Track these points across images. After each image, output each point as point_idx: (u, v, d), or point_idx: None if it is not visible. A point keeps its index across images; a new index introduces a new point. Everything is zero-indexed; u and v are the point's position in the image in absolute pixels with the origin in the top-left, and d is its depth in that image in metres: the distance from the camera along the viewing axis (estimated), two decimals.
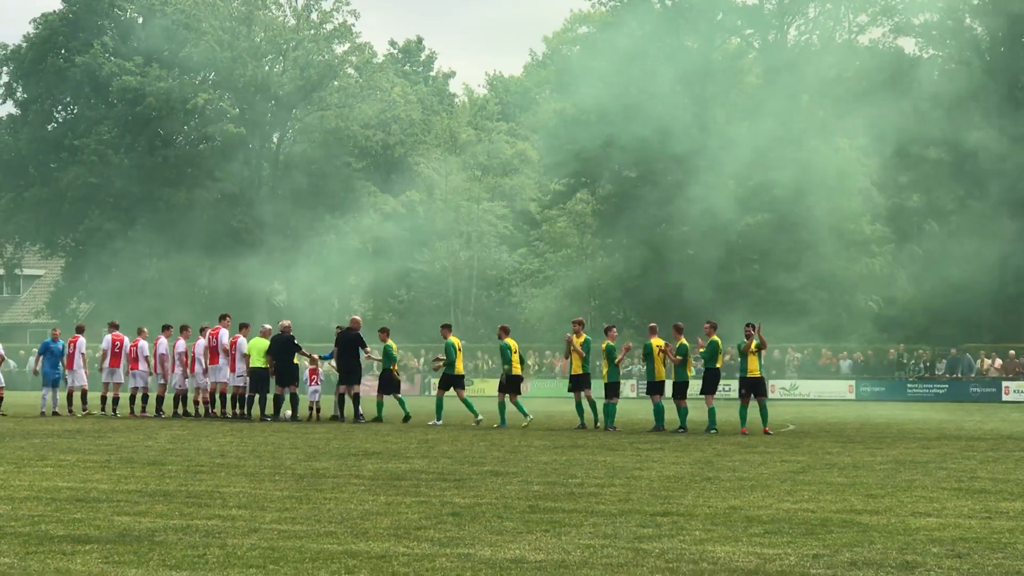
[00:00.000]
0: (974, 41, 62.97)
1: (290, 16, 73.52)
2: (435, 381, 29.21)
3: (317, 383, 31.13)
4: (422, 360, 60.18)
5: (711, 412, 25.42)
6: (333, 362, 29.82)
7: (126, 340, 31.04)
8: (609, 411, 26.18)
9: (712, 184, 58.32)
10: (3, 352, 33.05)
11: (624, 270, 64.04)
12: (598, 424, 26.37)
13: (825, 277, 58.85)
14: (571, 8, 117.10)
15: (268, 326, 30.17)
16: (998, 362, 53.00)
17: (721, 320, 31.20)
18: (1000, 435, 25.14)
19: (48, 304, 77.66)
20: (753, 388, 25.23)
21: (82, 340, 31.31)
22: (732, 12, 65.51)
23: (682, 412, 25.54)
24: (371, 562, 9.10)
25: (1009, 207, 58.52)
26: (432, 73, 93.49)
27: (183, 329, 31.41)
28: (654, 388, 25.93)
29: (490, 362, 58.90)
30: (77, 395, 31.00)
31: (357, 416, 28.28)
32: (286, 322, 30.09)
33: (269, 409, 29.18)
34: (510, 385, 27.24)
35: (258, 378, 29.06)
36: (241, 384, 29.43)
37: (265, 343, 29.06)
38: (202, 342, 30.02)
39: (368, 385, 31.56)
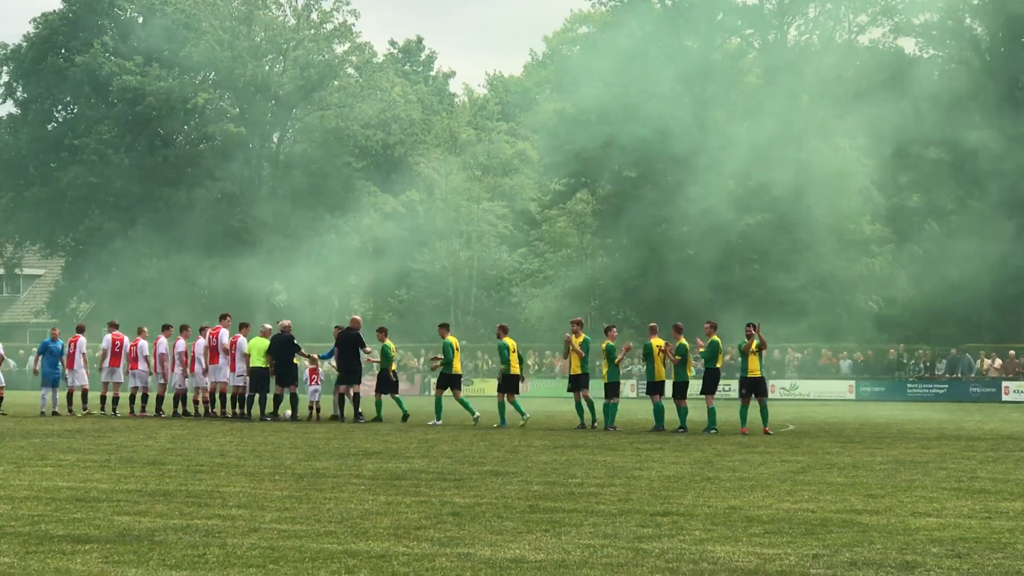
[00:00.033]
0: (974, 41, 62.98)
1: (290, 16, 73.56)
2: (435, 381, 29.16)
3: (317, 383, 31.13)
4: (422, 360, 60.20)
5: (711, 412, 25.42)
6: (333, 361, 29.83)
7: (126, 340, 31.05)
8: (609, 411, 26.18)
9: (712, 184, 58.33)
10: (3, 352, 33.03)
11: (624, 270, 64.05)
12: (595, 424, 26.37)
13: (825, 277, 58.85)
14: (571, 8, 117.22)
15: (268, 326, 30.18)
16: (998, 362, 53.01)
17: (721, 320, 31.19)
18: (1000, 435, 25.14)
19: (48, 304, 77.68)
20: (754, 388, 25.22)
21: (82, 340, 31.31)
22: (732, 12, 65.50)
23: (682, 412, 25.54)
24: (371, 562, 9.10)
25: (1009, 207, 58.54)
26: (432, 73, 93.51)
27: (183, 329, 31.42)
28: (654, 388, 25.93)
29: (490, 362, 58.91)
30: (77, 395, 31.00)
31: (357, 416, 28.29)
32: (286, 322, 30.10)
33: (269, 408, 29.18)
34: (507, 384, 27.28)
35: (258, 378, 29.07)
36: (241, 384, 29.44)
37: (265, 343, 29.07)
38: (202, 342, 30.03)
39: (368, 385, 31.53)
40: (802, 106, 61.19)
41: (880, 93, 59.48)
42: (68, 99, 76.11)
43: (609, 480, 14.82)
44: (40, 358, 31.57)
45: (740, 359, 25.58)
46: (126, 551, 9.50)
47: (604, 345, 26.93)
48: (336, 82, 73.30)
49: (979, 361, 53.37)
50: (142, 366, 30.90)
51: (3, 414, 30.20)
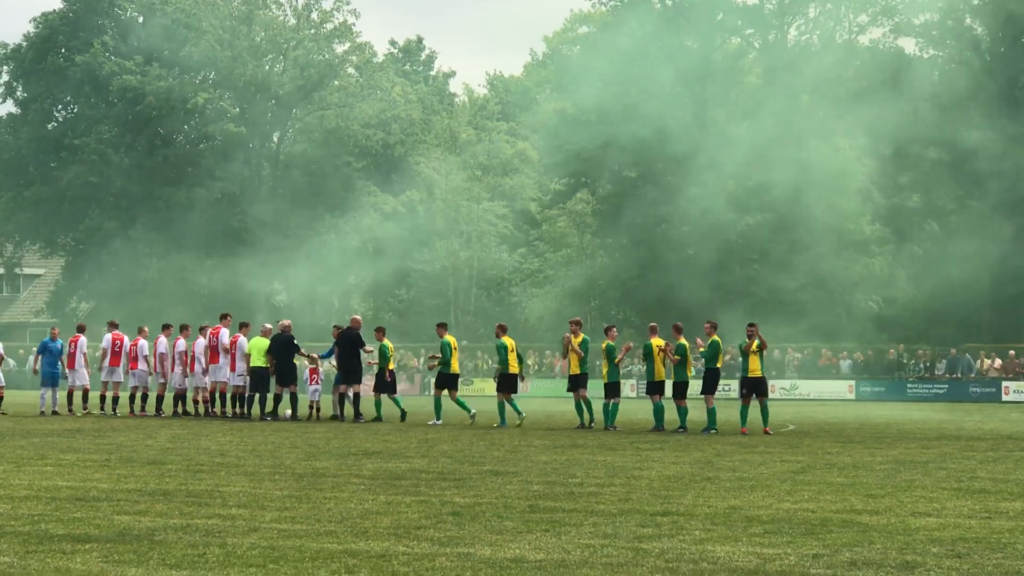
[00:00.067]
0: (974, 41, 62.98)
1: (290, 15, 73.56)
2: (434, 381, 29.17)
3: (317, 383, 31.13)
4: (421, 359, 60.21)
5: (711, 412, 25.41)
6: (333, 360, 29.82)
7: (126, 339, 31.05)
8: (609, 411, 26.18)
9: (712, 184, 58.34)
10: (3, 351, 33.03)
11: (624, 270, 64.06)
12: (592, 424, 26.35)
13: (825, 277, 58.84)
14: (571, 8, 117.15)
15: (269, 325, 30.18)
16: (998, 362, 53.03)
17: (720, 320, 31.20)
18: (1000, 435, 25.15)
19: (48, 303, 77.67)
20: (754, 388, 25.21)
21: (83, 339, 31.31)
22: (732, 12, 65.49)
23: (682, 412, 25.54)
24: (371, 561, 9.10)
25: (1008, 207, 58.54)
26: (432, 73, 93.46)
27: (183, 328, 31.43)
28: (654, 388, 25.93)
29: (490, 362, 58.91)
30: (78, 394, 31.00)
31: (357, 416, 28.29)
32: (286, 322, 30.11)
33: (269, 408, 29.18)
34: (504, 383, 27.31)
35: (258, 377, 29.08)
36: (241, 383, 29.44)
37: (265, 342, 29.08)
38: (202, 341, 30.04)
39: (367, 385, 31.54)
40: (802, 106, 61.20)
41: (880, 93, 59.47)
42: (68, 99, 76.10)
43: (609, 480, 14.82)
44: (40, 358, 31.58)
45: (741, 359, 25.58)
46: (126, 551, 9.50)
47: (604, 345, 26.93)
48: (336, 82, 73.29)
49: (979, 361, 53.38)
50: (142, 366, 30.90)
51: (3, 413, 30.20)
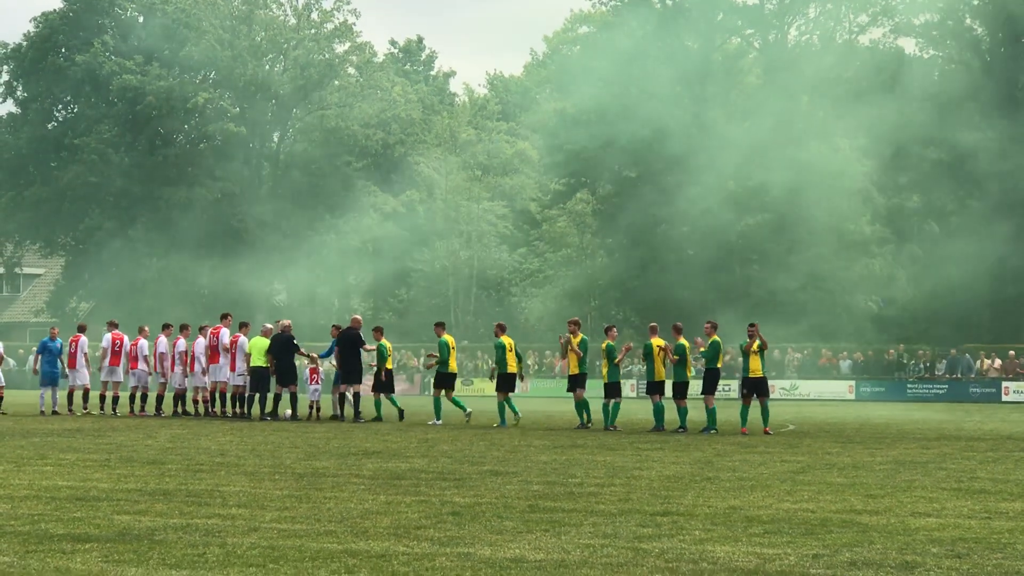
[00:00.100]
0: (974, 42, 63.00)
1: (290, 15, 73.59)
2: (434, 381, 29.18)
3: (317, 382, 31.13)
4: (421, 360, 60.20)
5: (711, 412, 25.41)
6: (333, 359, 29.81)
7: (126, 339, 31.06)
8: (609, 410, 26.17)
9: (711, 184, 58.34)
10: (3, 351, 33.02)
11: (624, 270, 64.06)
12: (589, 423, 26.31)
13: (825, 277, 58.85)
14: (571, 8, 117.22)
15: (269, 325, 30.18)
16: (998, 362, 53.04)
17: (720, 320, 31.19)
18: (1000, 435, 25.15)
19: (48, 303, 77.69)
20: (755, 388, 25.21)
21: (84, 339, 31.31)
22: (732, 12, 65.51)
23: (682, 412, 25.53)
24: (371, 561, 9.10)
25: (1008, 207, 58.55)
26: (432, 73, 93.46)
27: (183, 328, 31.44)
28: (654, 388, 25.92)
29: (490, 362, 58.86)
30: (78, 394, 31.01)
31: (356, 416, 28.30)
32: (286, 321, 30.11)
33: (269, 408, 29.18)
34: (502, 383, 27.34)
35: (259, 377, 29.08)
36: (241, 383, 29.45)
37: (266, 342, 29.08)
38: (202, 341, 30.04)
39: (367, 385, 31.54)
40: (802, 106, 61.20)
41: (880, 93, 59.49)
42: (68, 98, 76.12)
43: (609, 480, 14.82)
44: (39, 358, 31.58)
45: (742, 359, 25.57)
46: (126, 550, 9.50)
47: (604, 345, 26.92)
48: (336, 82, 73.31)
49: (979, 361, 53.39)
50: (142, 365, 30.91)
51: (3, 413, 30.20)
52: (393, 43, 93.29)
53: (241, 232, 70.62)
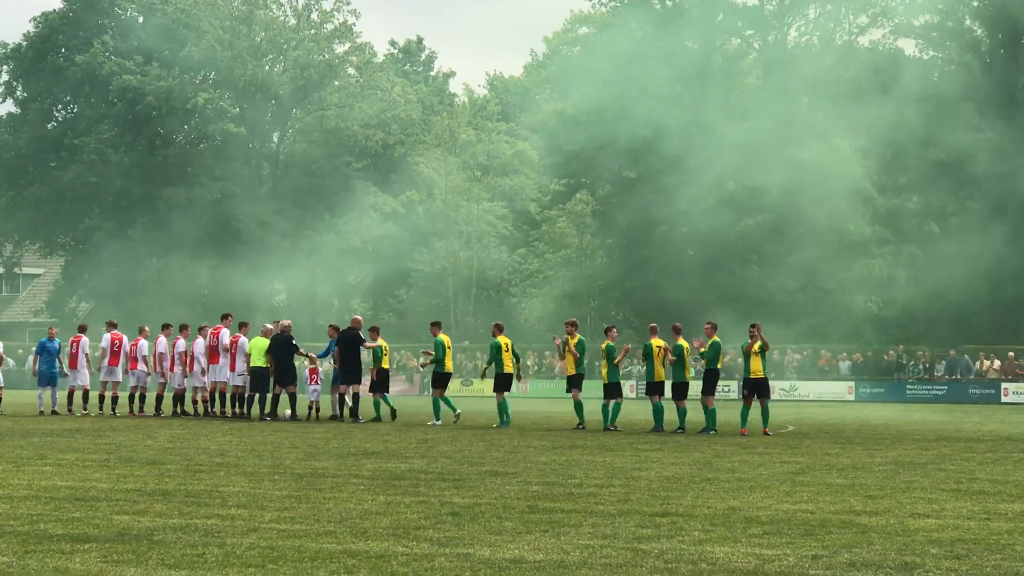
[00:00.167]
0: (973, 43, 63.02)
1: (290, 16, 73.59)
2: (431, 381, 29.20)
3: (317, 383, 31.12)
4: (420, 360, 60.20)
5: (711, 413, 25.40)
6: (331, 359, 29.79)
7: (125, 339, 31.05)
8: (608, 411, 26.16)
9: (711, 185, 58.34)
10: (2, 351, 33.01)
11: (623, 270, 64.04)
12: (583, 425, 26.28)
13: (824, 278, 58.84)
14: (571, 8, 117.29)
15: (269, 326, 30.18)
16: (997, 363, 53.05)
17: (719, 321, 31.17)
18: (999, 436, 25.15)
19: (47, 303, 77.69)
20: (756, 389, 25.20)
21: (84, 340, 31.29)
22: (732, 13, 65.51)
23: (681, 413, 25.53)
24: (370, 561, 9.10)
25: (1008, 208, 58.57)
26: (432, 73, 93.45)
27: (182, 328, 31.44)
28: (654, 388, 25.92)
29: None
30: (78, 394, 30.99)
31: (355, 416, 28.30)
32: (286, 322, 30.10)
33: (268, 408, 29.17)
34: (499, 383, 27.36)
35: (258, 377, 29.07)
36: (241, 383, 29.44)
37: (265, 342, 29.08)
38: (201, 341, 30.04)
39: (366, 385, 31.53)
40: (801, 107, 61.20)
41: (879, 94, 59.48)
42: (68, 98, 76.13)
43: (608, 481, 14.82)
44: (38, 358, 31.57)
45: (743, 360, 25.57)
46: (125, 550, 9.50)
47: (604, 345, 26.92)
48: (336, 82, 73.32)
49: (978, 363, 53.40)
50: (141, 366, 30.90)
51: (2, 413, 30.20)
52: (393, 43, 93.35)
53: (241, 232, 70.61)
